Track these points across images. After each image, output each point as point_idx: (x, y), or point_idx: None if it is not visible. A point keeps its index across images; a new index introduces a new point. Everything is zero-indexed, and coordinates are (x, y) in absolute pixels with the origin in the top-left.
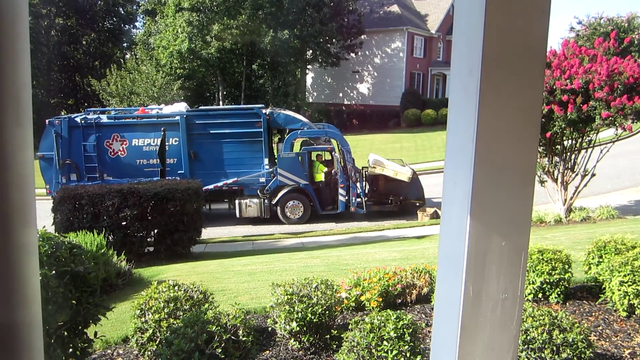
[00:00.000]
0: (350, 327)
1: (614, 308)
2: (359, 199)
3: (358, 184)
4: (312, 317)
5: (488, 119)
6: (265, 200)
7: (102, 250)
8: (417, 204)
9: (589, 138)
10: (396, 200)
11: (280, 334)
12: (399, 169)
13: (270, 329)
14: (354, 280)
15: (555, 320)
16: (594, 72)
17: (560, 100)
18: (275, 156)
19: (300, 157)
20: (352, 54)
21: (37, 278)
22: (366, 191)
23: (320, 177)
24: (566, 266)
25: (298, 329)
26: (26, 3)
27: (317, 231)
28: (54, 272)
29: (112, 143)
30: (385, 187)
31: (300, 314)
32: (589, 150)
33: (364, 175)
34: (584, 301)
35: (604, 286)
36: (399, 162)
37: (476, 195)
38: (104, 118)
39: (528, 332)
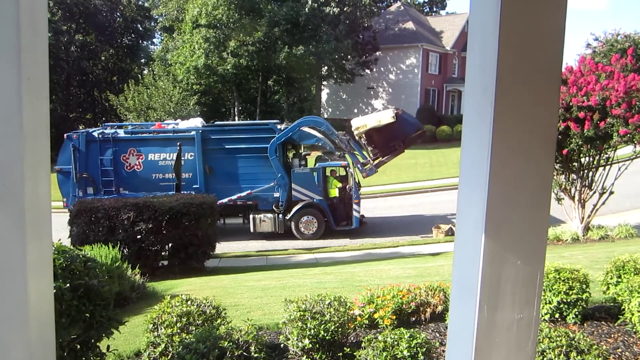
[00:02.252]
0: (363, 345)
1: (634, 330)
2: (366, 166)
3: (356, 152)
4: (325, 334)
5: (503, 136)
6: (280, 215)
7: (117, 264)
8: (420, 134)
9: (607, 155)
10: (397, 143)
11: (293, 351)
12: (380, 116)
13: (282, 345)
14: (368, 297)
15: (573, 342)
16: (611, 88)
17: (577, 117)
18: (290, 171)
19: (314, 173)
20: (367, 70)
21: (51, 290)
22: (369, 153)
23: (335, 192)
24: (584, 286)
25: (310, 346)
26: (45, 20)
27: (331, 247)
28: (68, 285)
29: (128, 157)
30: (381, 138)
31: (312, 331)
32: (607, 167)
33: (358, 143)
34: (603, 322)
35: (623, 307)
36: (381, 109)
37: (491, 213)
38: (121, 132)
39: (545, 354)
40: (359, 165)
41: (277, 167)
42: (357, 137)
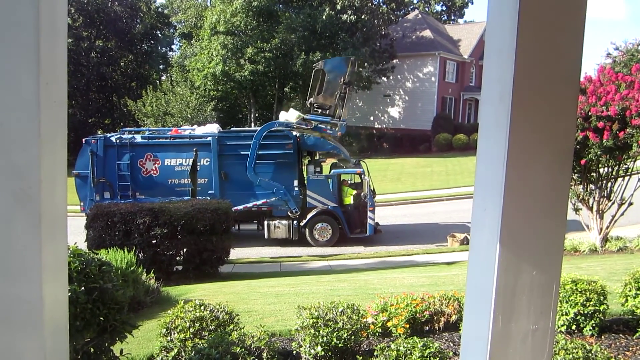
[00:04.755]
0: (375, 353)
1: None
2: (339, 122)
3: (319, 123)
4: (338, 342)
5: (519, 145)
6: (294, 222)
7: (132, 268)
8: (353, 64)
9: (626, 166)
10: (341, 87)
11: (305, 358)
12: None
13: (295, 352)
14: (381, 305)
15: (590, 354)
16: (631, 98)
17: (596, 127)
18: (305, 178)
19: (329, 180)
20: (384, 78)
21: (65, 293)
22: (330, 113)
23: (349, 199)
24: (601, 297)
25: (323, 353)
26: (65, 26)
27: (345, 254)
28: (82, 288)
29: (145, 162)
30: (327, 96)
31: (325, 338)
32: (626, 178)
33: (316, 113)
34: (621, 335)
35: None
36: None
37: (506, 222)
38: (138, 138)
39: None
40: (328, 131)
41: (266, 185)
42: (312, 111)
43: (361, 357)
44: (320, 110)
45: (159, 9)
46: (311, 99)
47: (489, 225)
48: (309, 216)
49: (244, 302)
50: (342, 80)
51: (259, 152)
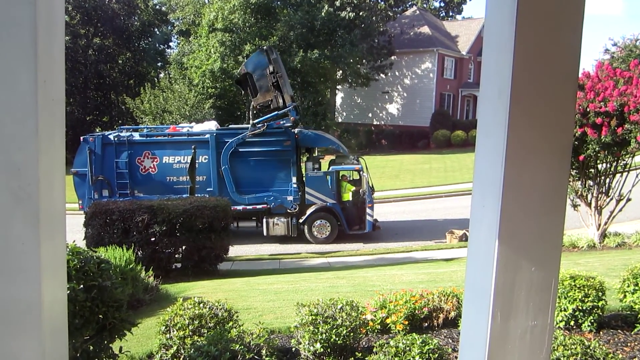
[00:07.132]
0: (374, 350)
1: None
2: (288, 109)
3: (272, 118)
4: (337, 339)
5: (517, 142)
6: (293, 219)
7: (131, 266)
8: (270, 51)
9: (624, 162)
10: (272, 78)
11: (304, 355)
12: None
13: (294, 349)
14: (380, 302)
15: (588, 350)
16: (629, 94)
17: (594, 122)
18: (304, 175)
19: (328, 176)
20: (382, 75)
21: (64, 291)
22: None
23: (348, 196)
24: (600, 293)
25: (322, 350)
26: (62, 23)
27: (344, 251)
28: (81, 286)
29: (143, 160)
30: (266, 93)
31: (324, 335)
32: (624, 174)
33: (268, 111)
34: (619, 331)
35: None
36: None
37: (505, 218)
38: (136, 135)
39: None
40: (282, 122)
41: (256, 200)
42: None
43: (360, 354)
44: (267, 108)
45: (157, 6)
46: (253, 103)
47: (487, 222)
48: (307, 213)
49: (242, 300)
50: (268, 71)
51: (258, 149)
